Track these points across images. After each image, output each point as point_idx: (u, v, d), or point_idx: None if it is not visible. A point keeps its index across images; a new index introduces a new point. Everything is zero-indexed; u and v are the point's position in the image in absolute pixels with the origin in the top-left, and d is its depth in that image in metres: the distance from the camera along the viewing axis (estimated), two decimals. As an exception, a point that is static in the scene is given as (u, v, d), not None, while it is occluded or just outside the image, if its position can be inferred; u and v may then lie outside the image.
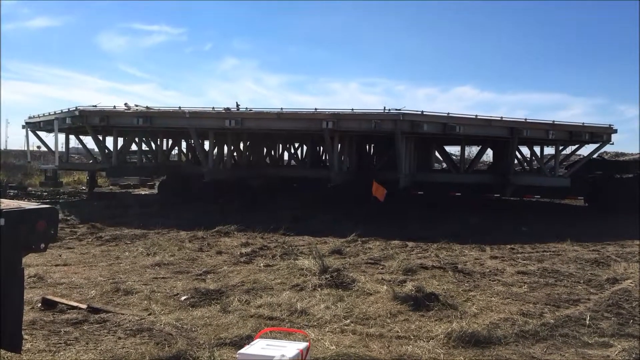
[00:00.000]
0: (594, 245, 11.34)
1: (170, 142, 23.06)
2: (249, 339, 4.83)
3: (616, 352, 5.17)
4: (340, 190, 17.86)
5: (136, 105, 19.37)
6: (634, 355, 5.00)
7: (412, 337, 5.46)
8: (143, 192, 24.54)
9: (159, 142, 21.56)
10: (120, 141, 20.11)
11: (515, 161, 18.69)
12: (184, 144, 24.03)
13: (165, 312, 6.15)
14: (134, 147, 21.77)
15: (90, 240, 11.07)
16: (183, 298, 6.72)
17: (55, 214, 3.98)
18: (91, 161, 23.21)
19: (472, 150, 27.49)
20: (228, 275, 8.09)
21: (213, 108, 18.03)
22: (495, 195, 19.13)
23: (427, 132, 16.64)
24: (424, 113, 16.15)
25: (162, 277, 7.89)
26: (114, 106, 19.03)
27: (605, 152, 21.27)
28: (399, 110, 16.22)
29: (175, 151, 25.04)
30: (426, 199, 18.20)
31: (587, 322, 6.02)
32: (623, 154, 24.08)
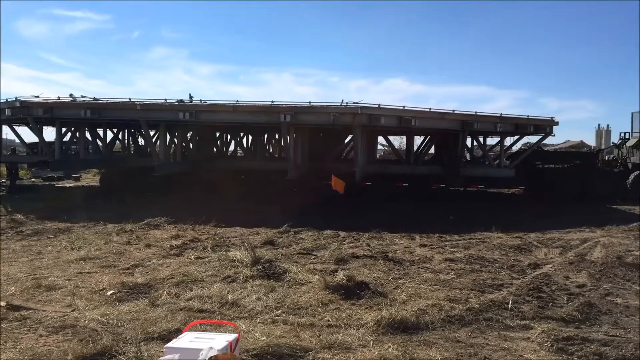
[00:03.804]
0: (517, 232, 11.79)
1: (112, 133, 22.21)
2: (177, 333, 4.74)
3: (536, 334, 5.40)
4: (291, 182, 17.86)
5: (82, 97, 18.61)
6: (552, 337, 5.24)
7: (342, 326, 5.51)
8: (68, 185, 23.62)
9: (102, 135, 20.74)
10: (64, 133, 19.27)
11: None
12: (122, 135, 23.22)
13: (90, 308, 5.95)
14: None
15: (10, 235, 10.56)
16: (109, 293, 6.52)
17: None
18: (27, 154, 22.12)
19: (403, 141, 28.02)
20: (157, 268, 7.90)
21: (165, 100, 17.67)
22: (442, 185, 19.59)
23: (384, 126, 16.87)
24: (381, 106, 16.35)
25: (87, 272, 7.62)
26: (58, 97, 18.25)
27: (528, 142, 22.17)
28: (357, 103, 16.38)
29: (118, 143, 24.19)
30: (374, 191, 18.38)
31: (510, 306, 6.27)
32: (545, 145, 25.21)
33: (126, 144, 23.42)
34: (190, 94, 18.42)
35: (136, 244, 9.77)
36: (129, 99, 17.53)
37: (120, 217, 12.34)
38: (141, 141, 23.32)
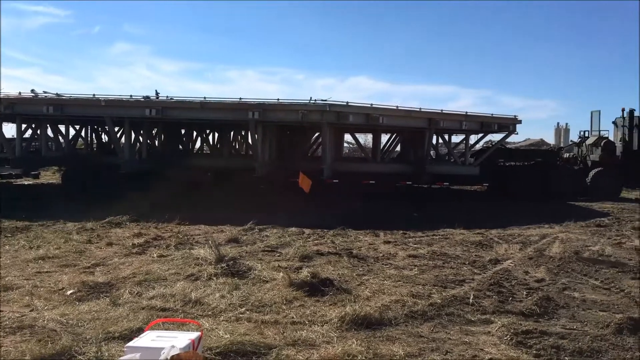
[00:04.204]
0: (479, 229, 11.98)
1: (74, 130, 21.70)
2: (139, 332, 4.67)
3: (496, 328, 5.51)
4: (258, 180, 17.79)
5: (44, 93, 18.14)
6: (512, 330, 5.35)
7: (306, 322, 5.52)
8: (26, 183, 23.03)
9: (64, 132, 20.25)
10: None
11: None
12: (84, 132, 22.71)
13: (49, 308, 5.82)
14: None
15: (-36, 234, 10.25)
16: (69, 292, 6.39)
17: None
18: None
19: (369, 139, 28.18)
20: (119, 267, 7.78)
21: (131, 96, 17.31)
22: (408, 182, 19.77)
23: (352, 123, 16.92)
24: (349, 104, 16.41)
25: (47, 271, 7.46)
26: (19, 93, 17.74)
27: (490, 140, 22.57)
28: (325, 101, 16.39)
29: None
30: (341, 188, 18.43)
31: (471, 300, 6.37)
32: (506, 143, 25.70)
33: (89, 141, 23.00)
34: (156, 90, 18.12)
35: (97, 243, 9.60)
36: (93, 94, 17.22)
37: (81, 215, 12.08)
38: (105, 138, 22.89)
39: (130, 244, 9.34)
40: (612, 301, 6.62)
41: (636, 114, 21.64)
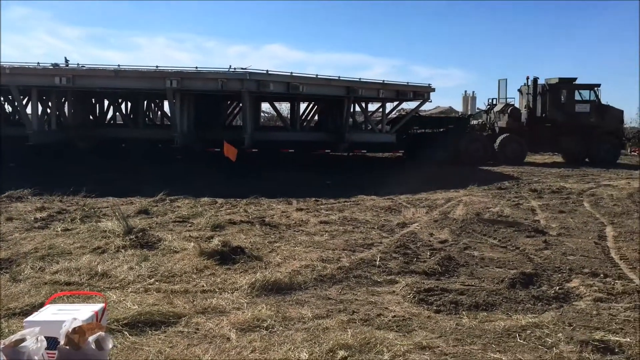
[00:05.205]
0: (390, 195, 12.35)
1: None
2: (42, 307, 4.53)
3: (400, 287, 5.76)
4: (175, 151, 17.39)
5: None
6: (414, 289, 5.62)
7: (217, 290, 5.54)
8: None
9: None
10: None
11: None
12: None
13: (-58, 287, 5.51)
14: None
15: None
16: (-36, 270, 6.07)
17: None
18: None
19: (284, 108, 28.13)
20: (20, 242, 7.43)
21: (38, 63, 16.45)
22: (327, 151, 19.94)
23: (273, 92, 16.79)
24: (270, 72, 16.26)
25: (-61, 250, 7.03)
26: None
27: (402, 109, 23.17)
28: (245, 69, 16.16)
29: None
30: (260, 158, 18.31)
31: (378, 263, 6.61)
32: (420, 111, 26.47)
33: None
34: (65, 58, 17.24)
35: (-5, 218, 9.12)
36: None
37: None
38: (8, 108, 21.57)
39: (33, 218, 8.93)
40: (508, 258, 7.07)
41: (540, 82, 22.88)
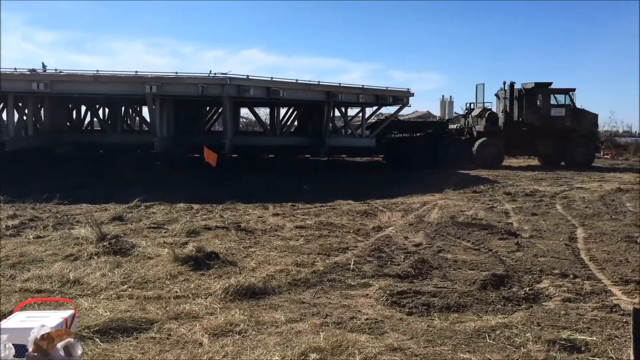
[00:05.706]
0: (366, 199, 12.40)
1: None
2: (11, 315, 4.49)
3: (374, 290, 5.81)
4: (154, 156, 17.26)
5: None
6: (388, 292, 5.67)
7: (190, 296, 5.53)
8: None
9: None
10: None
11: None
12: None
13: None
14: None
15: None
16: None
17: None
18: None
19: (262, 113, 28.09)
20: (-10, 250, 7.34)
21: (15, 69, 16.21)
22: (307, 155, 19.95)
23: (253, 97, 16.80)
24: (250, 77, 16.27)
25: None
26: None
27: (380, 113, 23.31)
28: (225, 74, 16.13)
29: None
30: (240, 163, 18.25)
31: (352, 266, 6.65)
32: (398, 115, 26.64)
33: None
34: (43, 63, 17.32)
35: (-36, 227, 8.97)
36: None
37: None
38: None
39: (4, 226, 8.80)
40: (480, 260, 7.16)
41: (516, 86, 23.21)
